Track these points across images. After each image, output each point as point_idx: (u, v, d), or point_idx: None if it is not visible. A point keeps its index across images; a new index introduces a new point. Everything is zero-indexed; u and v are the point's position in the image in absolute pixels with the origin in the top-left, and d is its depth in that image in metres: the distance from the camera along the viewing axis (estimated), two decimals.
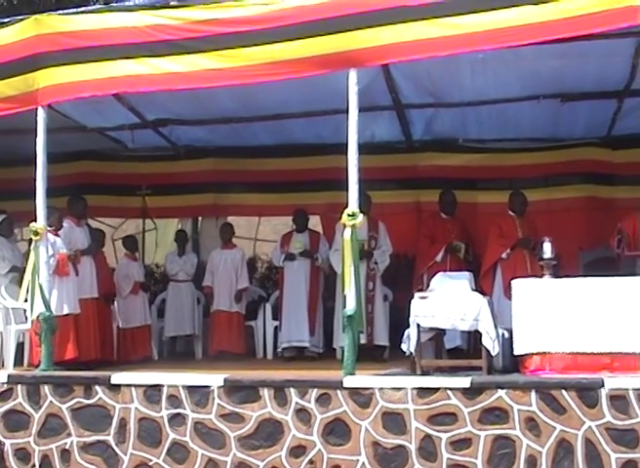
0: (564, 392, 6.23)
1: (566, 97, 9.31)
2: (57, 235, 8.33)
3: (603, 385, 6.19)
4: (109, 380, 7.00)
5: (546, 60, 8.12)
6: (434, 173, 10.87)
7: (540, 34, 6.69)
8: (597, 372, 6.54)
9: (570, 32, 6.68)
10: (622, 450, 6.09)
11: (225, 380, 6.81)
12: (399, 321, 7.92)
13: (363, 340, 8.83)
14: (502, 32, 6.68)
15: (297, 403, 6.62)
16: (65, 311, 8.15)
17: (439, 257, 9.28)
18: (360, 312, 7.02)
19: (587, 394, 6.20)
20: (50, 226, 7.99)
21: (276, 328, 9.93)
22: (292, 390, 6.65)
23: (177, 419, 6.83)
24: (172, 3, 7.41)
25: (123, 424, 6.93)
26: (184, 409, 6.82)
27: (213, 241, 11.00)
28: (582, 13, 6.53)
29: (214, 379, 6.84)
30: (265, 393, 6.70)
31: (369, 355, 8.62)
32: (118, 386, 6.98)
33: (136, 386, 6.94)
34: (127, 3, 7.98)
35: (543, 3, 6.58)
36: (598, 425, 6.14)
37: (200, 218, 12.17)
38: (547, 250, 7.23)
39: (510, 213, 9.18)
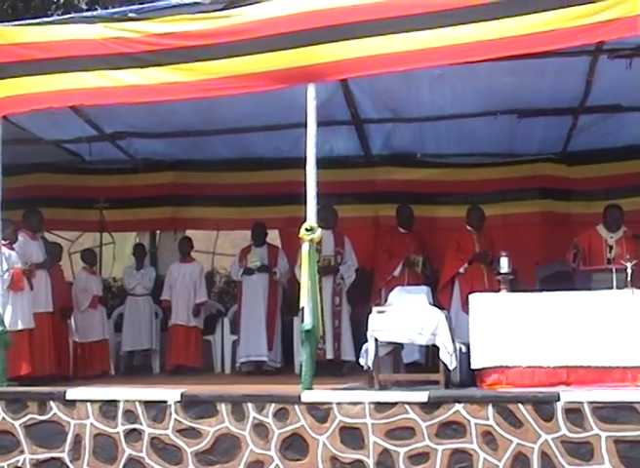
0: (520, 406, 6.26)
1: (522, 113, 9.42)
2: (11, 249, 8.22)
3: (559, 399, 6.23)
4: (64, 396, 6.91)
5: (502, 77, 8.23)
6: (393, 187, 10.91)
7: (495, 51, 6.75)
8: (553, 386, 6.59)
9: (525, 49, 6.76)
10: (577, 463, 6.13)
11: (182, 395, 6.75)
12: (357, 335, 7.92)
13: (330, 355, 8.86)
14: (459, 48, 6.73)
15: (254, 417, 6.59)
16: (20, 326, 8.03)
17: (397, 272, 9.31)
18: (318, 327, 7.01)
19: (544, 407, 6.24)
20: (4, 240, 7.88)
21: (234, 342, 9.90)
22: (249, 405, 6.62)
23: (133, 435, 6.76)
24: (130, 15, 7.37)
25: (78, 440, 6.84)
26: (141, 424, 6.76)
27: (171, 255, 10.95)
28: (537, 30, 6.60)
29: (171, 394, 6.79)
30: (223, 408, 6.65)
31: (327, 369, 8.61)
32: (73, 402, 6.89)
33: (91, 401, 6.86)
34: (85, 14, 7.93)
35: (499, 19, 6.64)
36: (554, 438, 6.18)
37: (158, 232, 12.08)
38: (504, 264, 7.27)
39: (468, 227, 9.24)
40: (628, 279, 7.06)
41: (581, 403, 6.19)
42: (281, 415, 6.55)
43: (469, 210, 9.36)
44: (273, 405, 6.57)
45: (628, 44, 7.57)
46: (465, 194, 10.59)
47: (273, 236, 10.84)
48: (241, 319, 9.74)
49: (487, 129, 9.84)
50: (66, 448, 6.86)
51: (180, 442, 6.69)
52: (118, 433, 6.78)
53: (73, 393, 6.94)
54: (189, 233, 11.48)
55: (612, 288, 7.10)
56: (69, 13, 9.07)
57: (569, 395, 6.27)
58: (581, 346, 6.73)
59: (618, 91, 8.82)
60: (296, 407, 6.53)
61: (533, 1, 6.65)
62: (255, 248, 9.93)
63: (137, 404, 6.78)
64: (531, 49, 6.77)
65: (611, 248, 8.54)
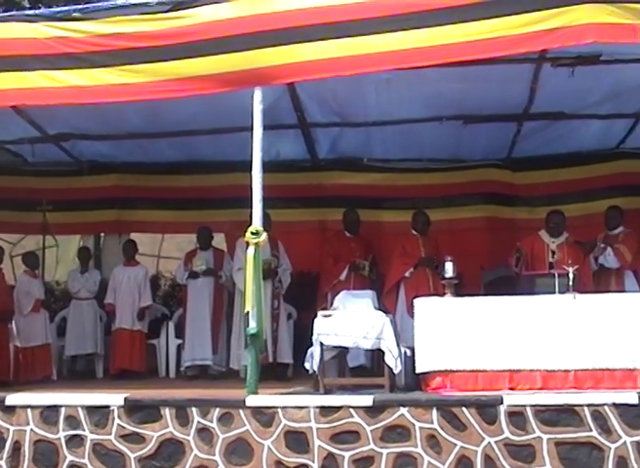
0: (464, 409, 6.31)
1: (468, 118, 9.51)
2: None
3: (502, 402, 6.29)
4: (3, 402, 6.77)
5: (449, 82, 8.29)
6: (339, 191, 10.93)
7: (441, 57, 6.82)
8: (497, 390, 6.65)
9: (470, 56, 6.84)
10: (519, 466, 6.19)
11: (126, 400, 6.68)
12: (303, 339, 7.92)
13: (271, 359, 8.84)
14: (406, 53, 6.78)
15: (199, 422, 6.54)
16: None
17: (343, 276, 9.31)
18: (263, 331, 6.99)
19: (487, 411, 6.29)
20: None
21: (179, 346, 9.83)
22: (194, 409, 6.57)
23: (74, 441, 6.66)
24: (75, 15, 7.28)
25: (17, 447, 6.71)
26: (83, 429, 6.66)
27: (115, 258, 10.83)
28: (483, 37, 6.68)
29: (114, 399, 6.70)
30: (167, 412, 6.59)
31: (273, 373, 8.59)
32: (13, 408, 6.76)
33: (32, 407, 6.74)
34: (28, 13, 7.79)
35: (446, 26, 6.70)
36: (497, 441, 6.24)
37: (103, 235, 11.94)
38: (449, 269, 7.32)
39: (413, 232, 9.29)
40: (570, 284, 7.16)
41: (524, 406, 6.26)
42: (226, 420, 6.52)
43: (415, 214, 9.41)
44: (218, 409, 6.54)
45: (571, 53, 7.70)
46: (411, 199, 10.64)
47: (219, 240, 10.79)
48: (186, 323, 9.67)
49: (433, 134, 9.91)
50: (4, 455, 6.72)
51: (122, 447, 6.61)
52: (59, 439, 6.67)
53: (13, 399, 6.81)
54: (134, 236, 11.38)
55: (554, 292, 7.19)
56: (11, 11, 8.87)
57: (512, 398, 6.34)
58: (524, 350, 6.80)
59: (561, 98, 8.96)
60: (240, 411, 6.50)
61: (479, 9, 6.72)
62: (200, 251, 9.88)
63: (79, 409, 6.69)
64: (476, 55, 6.85)
65: (553, 253, 8.65)
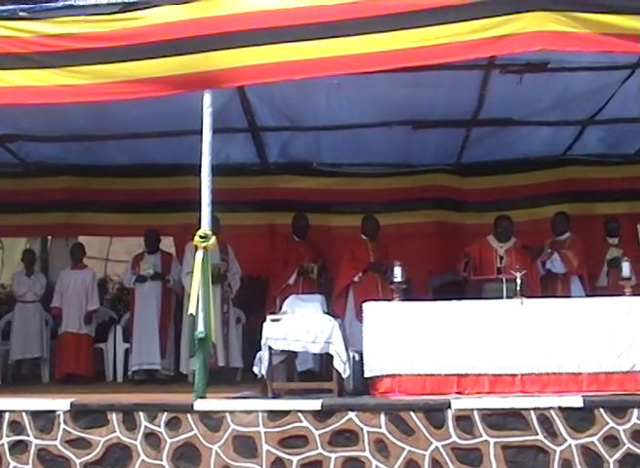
0: (412, 413, 6.33)
1: (417, 124, 9.56)
2: None
3: (450, 406, 6.33)
4: None
5: (399, 88, 8.34)
6: (289, 195, 10.93)
7: (391, 62, 6.85)
8: (445, 394, 6.69)
9: (420, 61, 6.87)
10: None
11: (72, 404, 6.59)
12: (252, 343, 7.89)
13: (222, 363, 8.80)
14: (356, 58, 6.79)
15: (146, 427, 6.48)
16: None
17: (292, 280, 9.30)
18: (211, 335, 6.96)
19: (435, 415, 6.32)
20: None
21: (127, 350, 9.73)
22: (141, 414, 6.51)
23: (19, 447, 6.55)
24: (21, 14, 7.17)
25: None
26: (27, 435, 6.55)
27: (63, 261, 10.70)
28: (433, 43, 6.72)
29: (59, 404, 6.61)
30: (114, 417, 6.52)
31: (222, 378, 8.56)
32: None
33: None
34: None
35: (395, 31, 6.73)
36: (444, 445, 6.27)
37: (50, 238, 11.80)
38: (398, 273, 7.34)
39: (363, 236, 9.31)
40: (517, 288, 7.23)
41: (471, 410, 6.31)
42: (173, 424, 6.47)
43: (364, 219, 9.44)
44: (165, 413, 6.49)
45: (519, 60, 7.79)
46: (361, 203, 10.67)
47: (168, 243, 10.72)
48: (134, 327, 9.60)
49: (383, 139, 9.95)
50: None
51: (68, 453, 6.52)
52: (2, 445, 6.55)
53: None
54: (82, 239, 11.24)
55: (502, 297, 7.26)
56: None
57: (459, 402, 6.37)
58: (472, 354, 6.85)
59: (509, 105, 9.06)
60: (188, 415, 6.46)
61: (429, 15, 6.76)
62: (148, 255, 9.80)
63: (23, 414, 6.58)
64: (426, 61, 6.90)
65: (501, 258, 8.73)
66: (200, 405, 6.51)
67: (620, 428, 6.21)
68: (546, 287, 8.94)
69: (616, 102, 9.10)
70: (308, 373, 8.54)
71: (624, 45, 6.71)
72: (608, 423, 6.22)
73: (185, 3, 7.00)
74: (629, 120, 9.67)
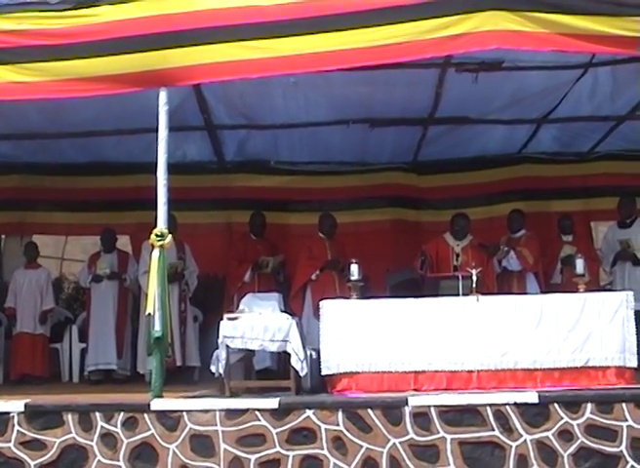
0: (370, 411, 6.35)
1: (374, 122, 9.59)
2: None
3: (407, 403, 6.36)
4: None
5: (355, 86, 8.36)
6: (246, 194, 10.90)
7: (348, 61, 6.86)
8: (402, 391, 6.72)
9: (377, 60, 6.90)
10: (424, 466, 6.27)
11: (26, 406, 6.52)
12: (209, 342, 7.86)
13: (179, 362, 8.76)
14: (313, 57, 6.79)
15: (102, 427, 6.44)
16: None
17: (247, 277, 9.28)
18: (168, 334, 6.93)
19: (392, 412, 6.35)
20: None
21: (83, 350, 9.65)
22: (97, 414, 6.46)
23: None
24: None
25: None
26: None
27: (17, 260, 10.57)
28: (389, 42, 6.74)
29: (14, 405, 6.54)
30: (69, 418, 6.47)
31: (179, 377, 8.52)
32: None
33: None
34: None
35: (353, 30, 6.75)
36: (402, 442, 6.31)
37: (3, 237, 11.64)
38: (355, 271, 7.35)
39: (320, 234, 9.32)
40: (474, 286, 7.28)
41: (429, 407, 6.34)
42: (130, 424, 6.43)
43: (321, 217, 9.45)
44: (122, 413, 6.45)
45: (475, 59, 7.85)
46: (318, 202, 10.67)
47: (125, 242, 10.64)
48: (90, 326, 9.51)
49: (340, 137, 9.97)
50: None
51: (22, 454, 6.45)
52: None
53: None
54: (37, 238, 11.11)
55: (458, 294, 7.30)
56: None
57: (416, 399, 6.41)
58: (429, 351, 6.90)
59: (465, 103, 9.12)
60: (145, 415, 6.43)
61: (385, 14, 6.78)
62: (104, 254, 9.73)
63: None
64: (382, 60, 6.92)
65: (457, 255, 8.79)
66: (157, 404, 6.47)
67: (574, 423, 6.29)
68: (502, 284, 9.02)
69: (569, 101, 9.21)
70: (266, 372, 8.53)
71: (577, 45, 6.79)
72: (562, 418, 6.30)
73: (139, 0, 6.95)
74: (582, 119, 9.80)
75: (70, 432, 6.46)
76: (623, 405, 6.31)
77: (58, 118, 8.90)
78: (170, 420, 6.41)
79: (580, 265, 7.44)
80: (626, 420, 6.29)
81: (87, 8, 6.94)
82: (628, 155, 10.88)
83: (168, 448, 6.38)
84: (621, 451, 6.26)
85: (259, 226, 9.79)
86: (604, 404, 6.33)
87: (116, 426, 6.43)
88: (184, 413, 6.41)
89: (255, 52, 6.82)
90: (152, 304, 6.79)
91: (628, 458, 6.23)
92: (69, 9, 6.96)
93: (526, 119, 9.91)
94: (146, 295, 7.03)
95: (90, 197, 10.94)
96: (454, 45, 6.85)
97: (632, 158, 10.86)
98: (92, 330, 9.47)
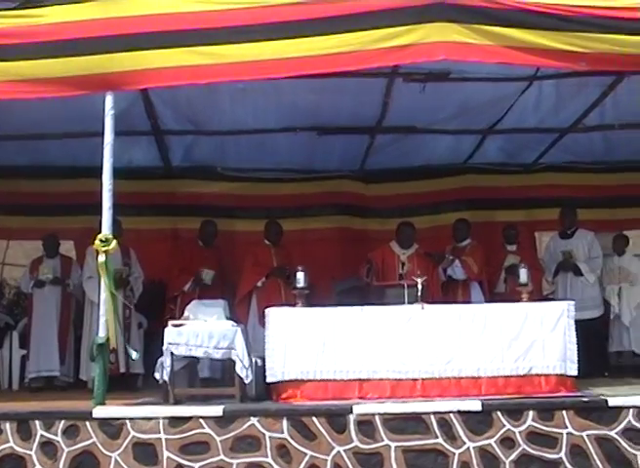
0: (314, 419, 6.35)
1: (322, 130, 9.61)
2: None
3: (351, 411, 6.36)
4: None
5: (304, 94, 8.38)
6: (192, 200, 10.84)
7: (297, 68, 6.87)
8: (347, 399, 6.72)
9: (325, 69, 6.91)
10: None
11: None
12: (154, 349, 7.79)
13: (123, 369, 8.66)
14: (261, 64, 6.79)
15: (42, 435, 6.32)
16: None
17: (186, 287, 9.22)
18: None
19: (337, 420, 6.35)
20: None
21: (23, 357, 9.50)
22: (37, 422, 6.34)
23: None
24: None
25: None
26: None
27: None
28: (337, 51, 6.77)
29: None
30: (7, 426, 6.34)
31: (122, 384, 8.43)
32: None
33: None
34: None
35: (302, 38, 6.76)
36: (346, 450, 6.30)
37: None
38: (301, 279, 7.35)
39: (266, 242, 9.32)
40: (419, 294, 7.32)
41: (373, 415, 6.36)
42: (71, 433, 6.33)
43: (267, 224, 9.45)
44: (63, 421, 6.34)
45: (422, 69, 7.92)
46: (265, 209, 10.65)
47: (69, 247, 10.51)
48: (32, 333, 9.37)
49: (287, 144, 9.98)
50: None
51: None
52: None
53: None
54: None
55: (403, 302, 7.34)
56: None
57: (361, 407, 6.42)
58: (374, 359, 6.91)
59: (412, 113, 9.19)
60: (87, 423, 6.33)
61: (333, 23, 6.81)
62: (47, 259, 9.60)
63: None
64: (330, 69, 6.94)
65: (403, 264, 8.84)
66: (99, 412, 6.39)
67: (516, 430, 6.35)
68: (447, 292, 9.09)
69: (514, 113, 9.34)
70: (210, 379, 8.48)
71: (523, 58, 6.89)
72: (505, 425, 6.36)
73: (87, 1, 6.88)
74: (527, 130, 9.95)
75: (8, 441, 6.32)
76: (564, 412, 6.40)
77: (1, 120, 8.74)
78: (112, 428, 6.33)
79: (523, 275, 7.53)
80: (566, 427, 6.37)
81: (33, 8, 6.85)
82: (571, 167, 11.11)
83: (110, 457, 6.30)
84: (561, 458, 6.34)
85: (210, 235, 9.73)
86: (545, 411, 6.41)
87: (56, 434, 6.33)
88: (127, 421, 6.33)
89: (203, 58, 6.80)
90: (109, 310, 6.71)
91: (568, 465, 6.31)
92: (14, 8, 6.87)
93: (472, 129, 10.03)
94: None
95: (33, 201, 10.75)
96: (401, 55, 6.90)
97: (574, 170, 11.09)
98: (34, 336, 9.33)
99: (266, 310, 7.21)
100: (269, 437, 6.31)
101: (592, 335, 8.77)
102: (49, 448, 6.32)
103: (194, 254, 9.56)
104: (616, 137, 10.04)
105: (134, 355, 7.46)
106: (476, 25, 6.79)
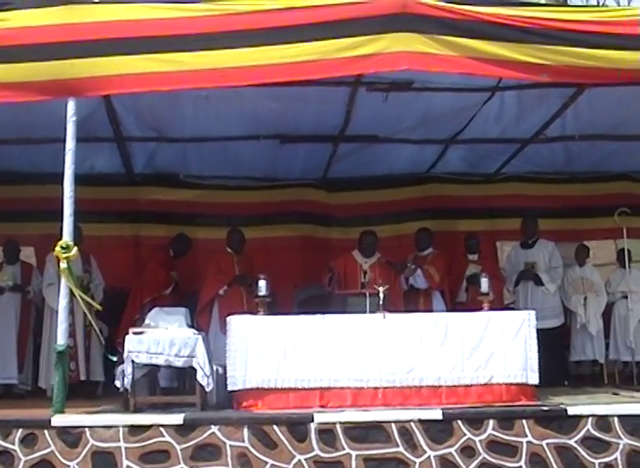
0: (275, 427, 6.35)
1: (285, 138, 9.61)
2: None
3: (312, 420, 6.38)
4: None
5: (266, 102, 8.36)
6: (154, 207, 10.77)
7: (259, 77, 6.89)
8: (308, 408, 6.73)
9: (288, 77, 6.93)
10: None
11: None
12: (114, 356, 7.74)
13: (83, 377, 8.59)
14: (223, 72, 6.80)
15: None
16: None
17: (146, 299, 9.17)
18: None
19: (298, 429, 6.36)
20: None
21: None
22: None
23: None
24: None
25: None
26: None
27: None
28: (301, 59, 6.79)
29: None
30: None
31: (82, 392, 8.35)
32: None
33: None
34: None
35: (264, 46, 6.77)
36: (307, 458, 6.32)
37: None
38: (263, 287, 7.35)
39: (228, 249, 9.29)
40: (380, 303, 7.34)
41: (334, 423, 6.38)
42: (29, 441, 6.28)
43: (229, 232, 9.42)
44: (21, 430, 6.30)
45: (385, 78, 7.95)
46: (227, 216, 10.60)
47: (29, 253, 10.39)
48: None
49: (250, 152, 9.96)
50: None
51: None
52: None
53: None
54: None
55: (365, 311, 7.36)
56: None
57: (322, 416, 6.43)
58: (335, 368, 6.93)
59: (375, 122, 9.22)
60: (45, 431, 6.29)
61: (297, 32, 6.83)
62: (6, 265, 9.49)
63: None
64: (294, 77, 6.96)
65: (365, 273, 8.85)
66: (58, 420, 6.34)
67: (477, 439, 6.40)
68: (409, 301, 9.11)
69: (477, 123, 9.40)
70: (171, 388, 8.42)
71: (485, 68, 6.97)
72: (465, 434, 6.41)
73: (50, 6, 6.83)
74: (489, 140, 10.02)
75: None
76: (524, 421, 6.46)
77: None
78: (71, 436, 6.29)
79: (484, 284, 7.58)
80: (526, 436, 6.43)
81: None
82: (532, 177, 11.21)
83: (68, 466, 6.26)
84: (521, 467, 6.39)
85: (183, 248, 9.73)
86: (505, 420, 6.46)
87: (14, 443, 6.27)
88: (87, 429, 6.29)
89: (165, 65, 6.79)
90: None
91: None
92: None
93: (434, 139, 10.07)
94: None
95: None
96: (364, 64, 6.94)
97: (536, 180, 11.19)
98: None
99: (228, 318, 7.20)
100: (230, 445, 6.30)
101: (553, 345, 8.84)
102: (5, 458, 6.26)
103: (166, 264, 9.50)
104: (576, 148, 10.15)
105: (114, 358, 7.42)
106: (439, 36, 6.85)
